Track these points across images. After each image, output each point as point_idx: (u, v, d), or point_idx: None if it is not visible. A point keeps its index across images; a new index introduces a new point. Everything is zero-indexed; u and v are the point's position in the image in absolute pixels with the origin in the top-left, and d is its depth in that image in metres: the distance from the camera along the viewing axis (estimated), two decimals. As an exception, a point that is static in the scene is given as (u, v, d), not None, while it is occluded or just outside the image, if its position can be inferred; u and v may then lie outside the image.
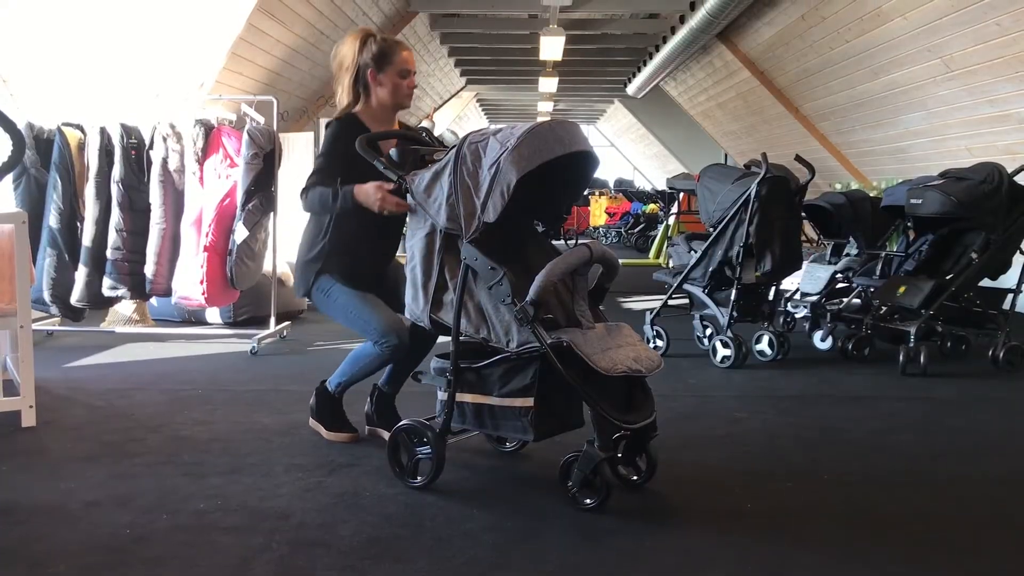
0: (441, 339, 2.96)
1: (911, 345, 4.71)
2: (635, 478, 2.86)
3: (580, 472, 2.61)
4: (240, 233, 5.11)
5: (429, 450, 2.79)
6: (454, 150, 2.66)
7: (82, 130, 5.23)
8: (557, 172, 2.69)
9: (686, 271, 5.09)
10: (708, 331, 5.37)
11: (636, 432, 2.69)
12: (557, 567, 2.24)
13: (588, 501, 2.63)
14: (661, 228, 12.47)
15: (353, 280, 3.10)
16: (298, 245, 3.22)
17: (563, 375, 2.53)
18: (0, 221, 3.51)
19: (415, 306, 2.80)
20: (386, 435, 3.08)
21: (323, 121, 3.65)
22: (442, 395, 2.79)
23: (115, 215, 5.15)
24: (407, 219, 2.85)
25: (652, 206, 15.31)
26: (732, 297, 4.87)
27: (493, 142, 2.59)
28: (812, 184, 5.10)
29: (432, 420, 2.84)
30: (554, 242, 3.06)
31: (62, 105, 5.61)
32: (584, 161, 2.76)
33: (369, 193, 2.82)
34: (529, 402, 2.60)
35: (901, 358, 4.71)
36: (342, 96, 3.20)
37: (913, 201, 4.87)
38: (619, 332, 2.77)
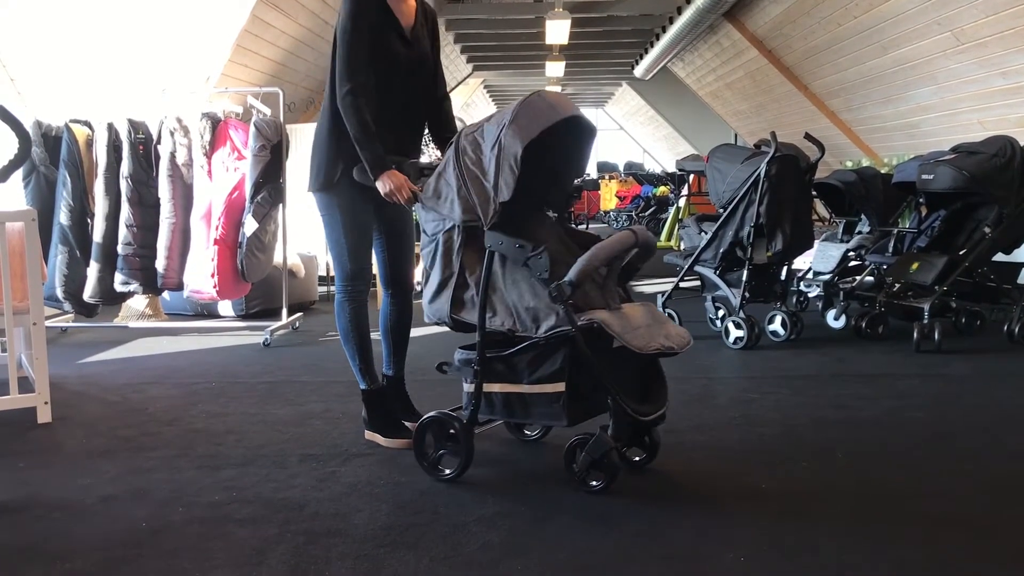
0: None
1: (925, 322, 4.68)
2: (637, 459, 2.87)
3: (589, 456, 2.61)
4: (250, 226, 5.12)
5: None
6: (451, 147, 2.70)
7: (90, 126, 5.24)
8: (557, 149, 2.70)
9: (697, 253, 5.07)
10: (720, 312, 5.35)
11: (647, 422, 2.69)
12: (573, 550, 2.24)
13: (594, 483, 2.63)
14: (672, 210, 12.41)
15: (360, 208, 3.05)
16: (315, 129, 3.11)
17: (590, 360, 2.52)
18: (11, 219, 3.52)
19: (435, 308, 2.78)
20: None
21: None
22: (468, 387, 2.76)
23: (125, 210, 5.16)
24: (420, 222, 2.84)
25: (662, 188, 15.25)
26: (744, 278, 4.85)
27: (488, 126, 2.63)
28: (822, 162, 5.07)
29: (458, 412, 2.83)
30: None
31: (69, 102, 5.62)
32: (579, 130, 2.76)
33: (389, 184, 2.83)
34: (560, 387, 2.58)
35: (915, 335, 4.69)
36: None
37: (925, 177, 4.83)
38: (648, 311, 2.75)
